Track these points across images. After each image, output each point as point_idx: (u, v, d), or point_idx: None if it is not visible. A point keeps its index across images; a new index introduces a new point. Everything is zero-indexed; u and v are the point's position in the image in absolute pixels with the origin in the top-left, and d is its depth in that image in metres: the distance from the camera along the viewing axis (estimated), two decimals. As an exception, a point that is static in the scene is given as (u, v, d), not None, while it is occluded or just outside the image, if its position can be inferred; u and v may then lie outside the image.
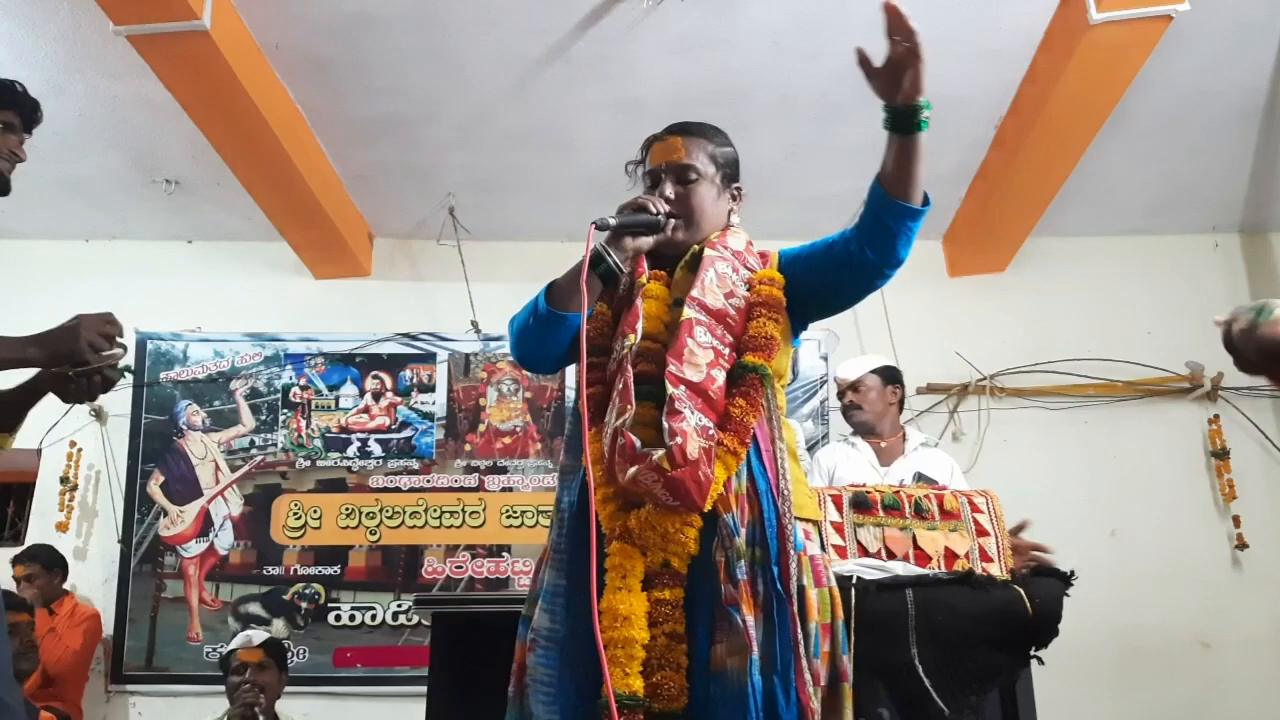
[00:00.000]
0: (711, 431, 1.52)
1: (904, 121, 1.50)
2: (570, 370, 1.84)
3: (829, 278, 1.65)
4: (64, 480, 4.35)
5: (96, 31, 3.20)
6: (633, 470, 1.49)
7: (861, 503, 2.19)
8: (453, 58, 3.49)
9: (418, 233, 4.58)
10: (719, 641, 1.46)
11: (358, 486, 4.37)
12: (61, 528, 4.29)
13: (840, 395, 3.19)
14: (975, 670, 2.00)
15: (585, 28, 3.34)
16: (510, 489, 4.36)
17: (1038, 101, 3.52)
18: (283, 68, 3.53)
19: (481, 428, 4.45)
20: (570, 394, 4.44)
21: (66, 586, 4.04)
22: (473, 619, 2.36)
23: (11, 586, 3.80)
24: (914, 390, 4.30)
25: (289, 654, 3.75)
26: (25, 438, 2.12)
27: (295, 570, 4.26)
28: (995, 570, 2.13)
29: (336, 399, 4.48)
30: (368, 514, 4.32)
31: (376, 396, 4.49)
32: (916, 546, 2.15)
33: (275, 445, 4.40)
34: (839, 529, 2.15)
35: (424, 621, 3.65)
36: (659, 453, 1.47)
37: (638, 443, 1.50)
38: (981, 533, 2.18)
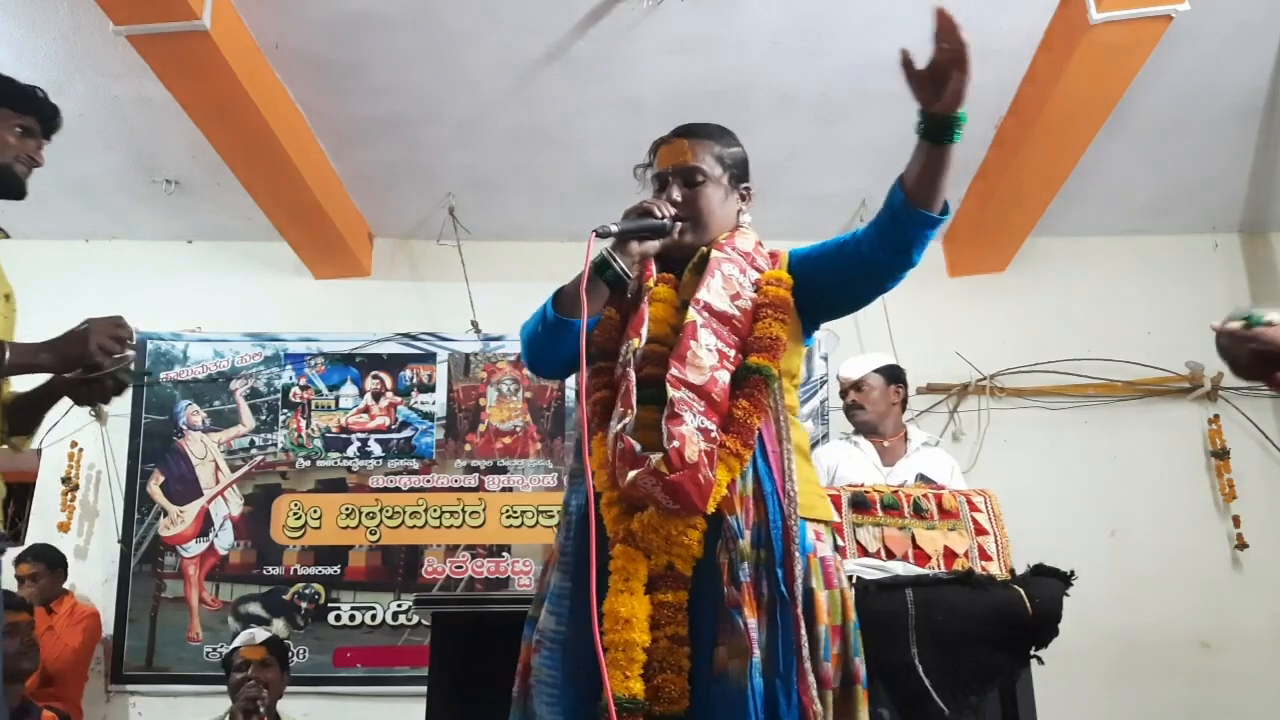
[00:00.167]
0: (714, 434, 1.52)
1: (938, 130, 1.46)
2: (524, 356, 1.85)
3: (839, 278, 1.65)
4: (65, 480, 4.35)
5: (96, 31, 3.20)
6: (632, 474, 1.49)
7: (860, 503, 2.19)
8: (453, 58, 3.49)
9: (418, 233, 4.58)
10: (721, 644, 1.46)
11: (358, 486, 4.37)
12: (63, 528, 4.30)
13: (843, 395, 3.19)
14: (975, 670, 2.00)
15: (585, 28, 3.34)
16: (510, 489, 4.36)
17: (1038, 101, 3.52)
18: (283, 68, 3.53)
19: (481, 428, 4.45)
20: (572, 394, 4.44)
21: (66, 586, 4.04)
22: (473, 619, 2.36)
23: (12, 585, 3.80)
24: (914, 390, 4.29)
25: (289, 654, 3.74)
26: (25, 438, 2.12)
27: (295, 570, 4.26)
28: (994, 569, 2.14)
29: (336, 399, 4.48)
30: (368, 514, 4.32)
31: (376, 396, 4.49)
32: (916, 546, 2.15)
33: (275, 445, 4.40)
34: (838, 529, 2.15)
35: (424, 621, 3.65)
36: (657, 456, 1.47)
37: (637, 446, 1.50)
38: (980, 532, 2.19)
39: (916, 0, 3.30)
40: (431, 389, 4.50)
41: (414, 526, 4.31)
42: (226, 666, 3.46)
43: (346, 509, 4.33)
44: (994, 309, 4.59)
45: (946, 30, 1.38)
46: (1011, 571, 2.19)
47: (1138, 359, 4.43)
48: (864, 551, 2.13)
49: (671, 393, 1.52)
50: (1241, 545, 4.29)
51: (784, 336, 1.60)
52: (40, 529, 4.33)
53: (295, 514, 4.32)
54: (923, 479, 2.95)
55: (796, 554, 1.49)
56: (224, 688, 3.49)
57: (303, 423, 4.44)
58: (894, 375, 3.19)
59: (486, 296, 4.47)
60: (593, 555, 1.49)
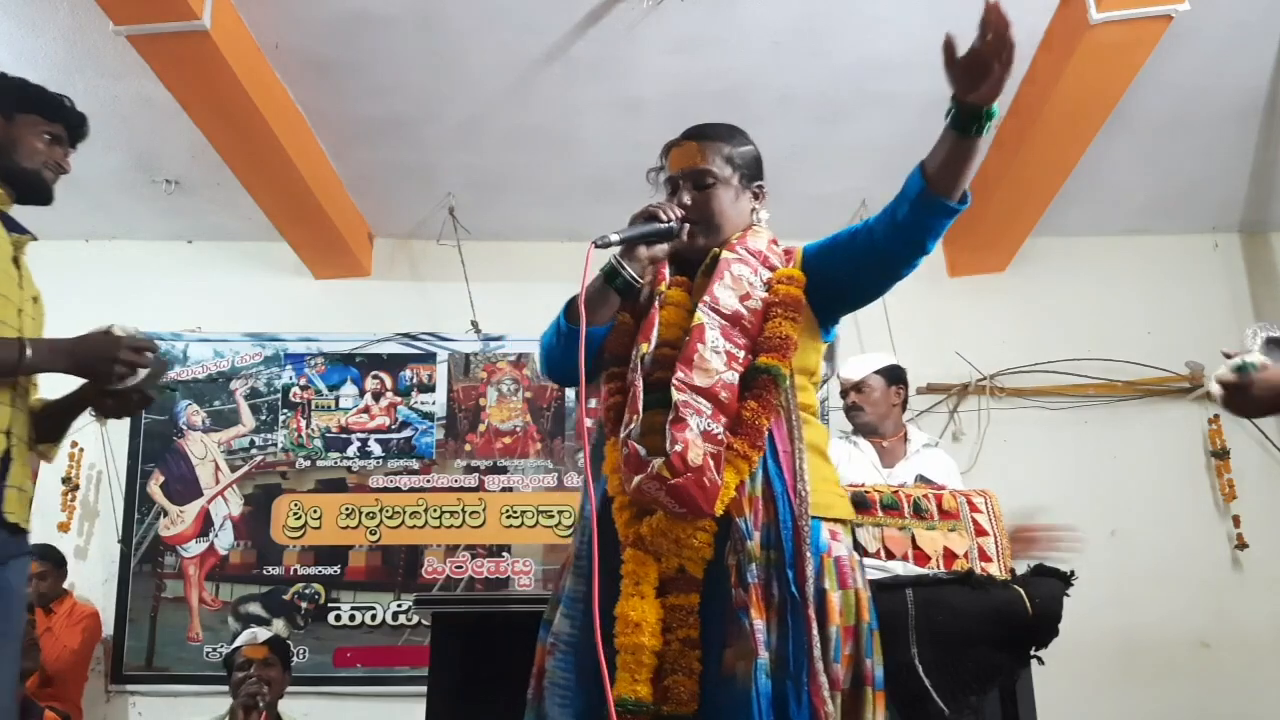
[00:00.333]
0: (720, 436, 1.52)
1: (967, 121, 1.49)
2: (541, 366, 1.85)
3: (852, 268, 1.65)
4: (65, 480, 4.35)
5: (96, 31, 3.20)
6: (637, 479, 1.50)
7: (860, 503, 2.19)
8: (453, 58, 3.49)
9: (418, 233, 4.58)
10: (729, 645, 1.46)
11: (358, 486, 4.37)
12: (63, 528, 4.29)
13: (843, 395, 3.18)
14: (975, 670, 2.00)
15: (585, 28, 3.34)
16: (510, 489, 4.36)
17: (1038, 101, 3.51)
18: (283, 68, 3.53)
19: (481, 428, 4.45)
20: (571, 394, 4.44)
21: (65, 586, 4.04)
22: (473, 619, 2.36)
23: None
24: (914, 390, 4.30)
25: (291, 654, 3.74)
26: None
27: (295, 570, 4.26)
28: (994, 570, 2.14)
29: (336, 399, 4.48)
30: (368, 514, 4.32)
31: (376, 396, 4.49)
32: (915, 546, 2.15)
33: (275, 445, 4.40)
34: (839, 529, 2.15)
35: (424, 621, 3.66)
36: (659, 461, 1.47)
37: (642, 451, 1.51)
38: (980, 532, 2.19)
39: (916, 1, 3.31)
40: (431, 389, 4.50)
41: (414, 526, 4.31)
42: (228, 666, 3.47)
43: (346, 509, 4.33)
44: (994, 309, 4.59)
45: (996, 23, 1.41)
46: (1011, 572, 2.19)
47: (1137, 359, 4.43)
48: (864, 552, 2.13)
49: (676, 396, 1.53)
50: (1241, 545, 4.30)
51: (794, 335, 1.60)
52: (40, 529, 4.31)
53: (295, 514, 4.32)
54: (922, 480, 2.95)
55: (807, 554, 1.49)
56: (224, 688, 3.50)
57: (303, 423, 4.44)
58: (895, 376, 3.18)
59: (486, 296, 4.47)
60: (595, 559, 1.49)
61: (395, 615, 4.19)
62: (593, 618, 1.49)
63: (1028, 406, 4.48)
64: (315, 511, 4.33)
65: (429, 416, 4.47)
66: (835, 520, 1.58)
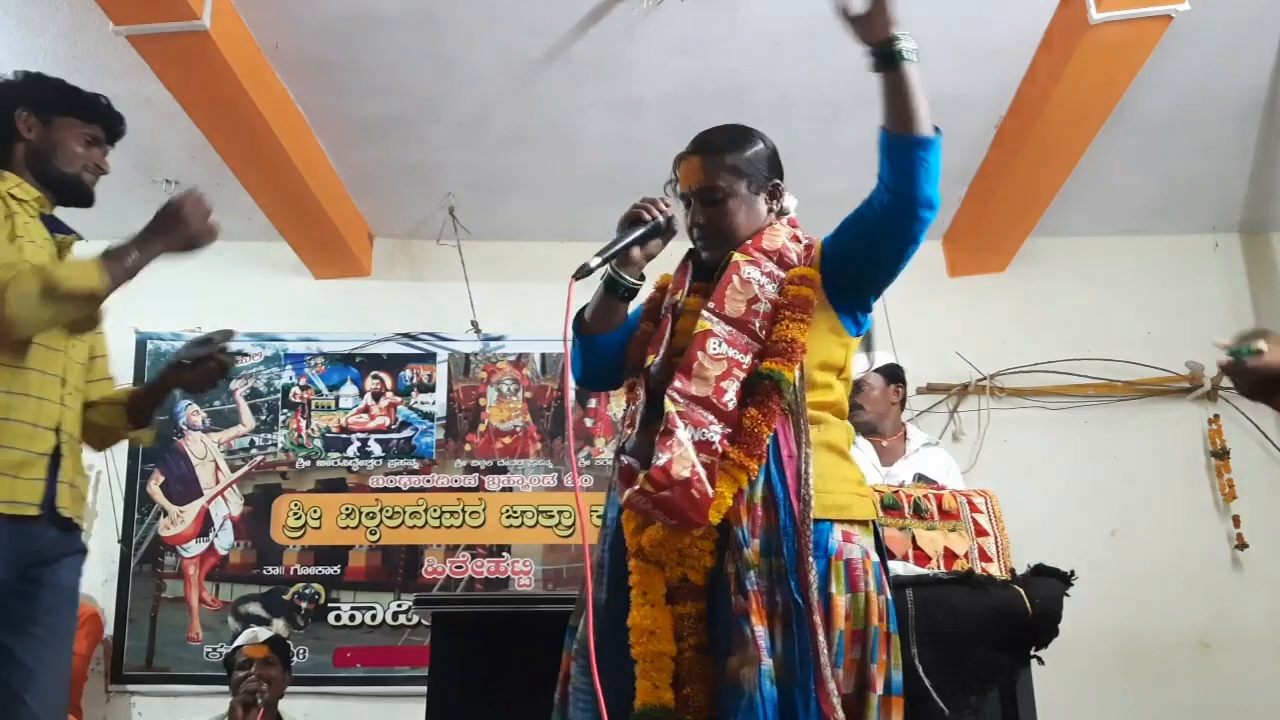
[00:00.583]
0: (716, 445, 1.51)
1: (884, 57, 1.51)
2: (573, 373, 1.87)
3: (864, 243, 1.63)
4: (64, 480, 4.35)
5: (96, 31, 3.20)
6: (627, 493, 1.52)
7: (860, 503, 2.18)
8: (453, 58, 3.49)
9: (418, 233, 4.57)
10: (733, 653, 1.47)
11: (358, 486, 4.37)
12: (62, 528, 4.29)
13: (841, 395, 3.18)
14: (975, 670, 2.00)
15: (585, 28, 3.34)
16: (510, 489, 4.36)
17: (1038, 101, 3.51)
18: (283, 68, 3.53)
19: (481, 428, 4.45)
20: (572, 395, 4.44)
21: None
22: (473, 619, 2.36)
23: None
24: (914, 390, 4.30)
25: (291, 654, 3.74)
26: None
27: (295, 570, 4.26)
28: (994, 570, 2.14)
29: (336, 399, 4.48)
30: (368, 514, 4.32)
31: (376, 396, 4.49)
32: (916, 546, 2.15)
33: (275, 445, 4.40)
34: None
35: (424, 621, 3.66)
36: (644, 475, 1.49)
37: (635, 465, 1.53)
38: (980, 532, 2.19)
39: (916, 1, 3.31)
40: (431, 389, 4.50)
41: (414, 526, 4.31)
42: (229, 665, 3.47)
43: (346, 509, 4.33)
44: (994, 309, 4.59)
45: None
46: (1011, 572, 2.19)
47: (1137, 359, 4.43)
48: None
49: (670, 407, 1.53)
50: (1241, 545, 4.29)
51: (801, 338, 1.58)
52: (40, 529, 4.33)
53: (295, 514, 4.32)
54: (921, 479, 2.95)
55: (810, 559, 1.47)
56: (224, 688, 3.50)
57: (303, 423, 4.44)
58: (894, 375, 3.19)
59: (486, 296, 4.47)
60: (588, 568, 1.52)
61: (395, 615, 4.19)
62: (614, 624, 1.53)
63: (1028, 406, 4.48)
64: (315, 511, 4.33)
65: (429, 416, 4.47)
66: (852, 521, 1.56)
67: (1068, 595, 2.08)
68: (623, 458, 1.55)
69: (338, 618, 4.20)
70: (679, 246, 1.84)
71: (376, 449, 4.42)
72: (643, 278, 1.78)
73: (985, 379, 4.47)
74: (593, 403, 4.43)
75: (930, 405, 4.47)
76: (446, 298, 4.52)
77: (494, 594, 4.01)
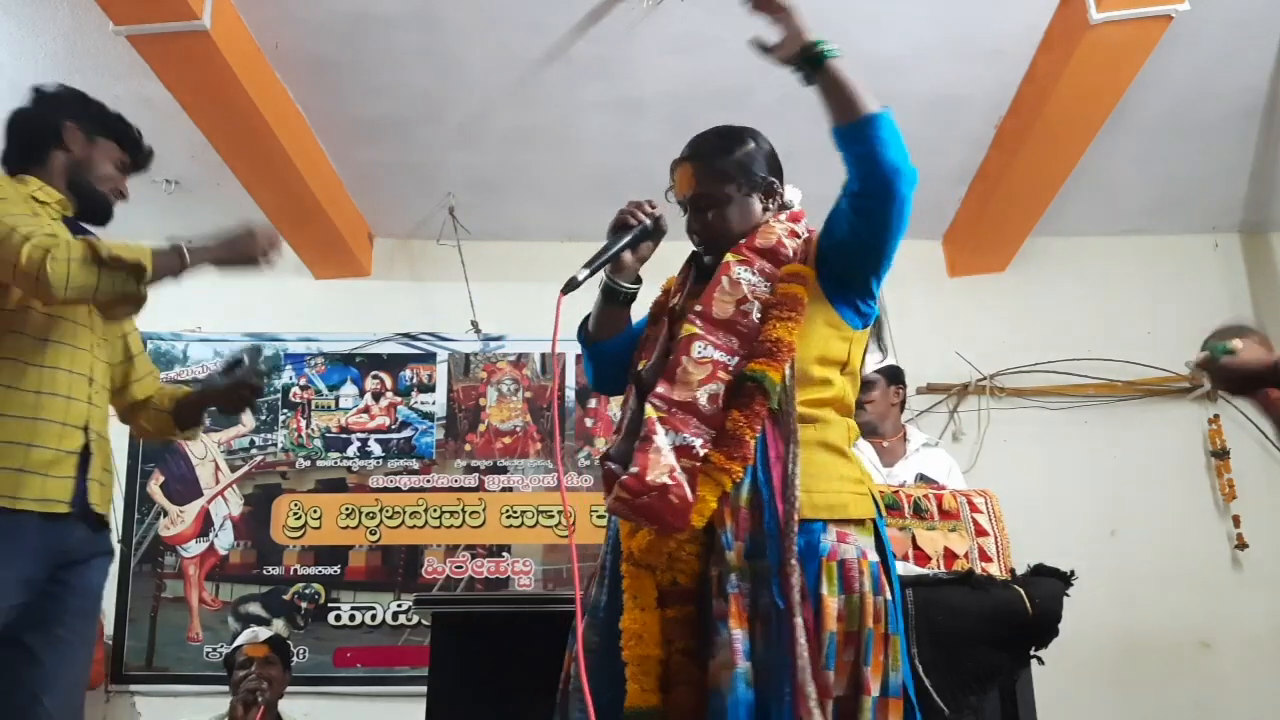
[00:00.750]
0: (697, 450, 1.52)
1: (810, 65, 1.58)
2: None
3: (847, 231, 1.63)
4: (64, 480, 4.35)
5: (96, 31, 3.20)
6: (610, 499, 1.52)
7: (861, 503, 2.18)
8: (453, 58, 3.49)
9: (418, 233, 4.57)
10: (714, 656, 1.47)
11: (358, 486, 4.37)
12: (62, 528, 4.29)
13: (841, 395, 3.18)
14: (975, 670, 2.00)
15: (585, 28, 3.34)
16: (510, 489, 4.36)
17: (1038, 101, 3.51)
18: (283, 68, 3.53)
19: (481, 428, 4.45)
20: (572, 395, 4.45)
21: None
22: (473, 619, 2.36)
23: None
24: (914, 390, 4.29)
25: (291, 654, 3.74)
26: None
27: (295, 570, 4.26)
28: (994, 570, 2.14)
29: (336, 399, 4.48)
30: (368, 514, 4.32)
31: (376, 396, 4.49)
32: (916, 546, 2.15)
33: (275, 445, 4.40)
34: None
35: (424, 621, 3.65)
36: (618, 483, 1.50)
37: (617, 470, 1.54)
38: (980, 533, 2.19)
39: (916, 1, 3.31)
40: (431, 389, 4.50)
41: (414, 526, 4.31)
42: (229, 665, 3.47)
43: (346, 509, 4.33)
44: (994, 309, 4.59)
45: (762, 6, 1.62)
46: (1011, 572, 2.19)
47: (1137, 359, 4.43)
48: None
49: (650, 413, 1.53)
50: (1241, 545, 4.29)
51: (788, 338, 1.58)
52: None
53: (295, 514, 4.32)
54: (923, 479, 2.95)
55: (793, 562, 1.46)
56: (224, 688, 3.50)
57: (303, 423, 4.44)
58: (894, 376, 3.19)
59: (486, 296, 4.47)
60: (575, 571, 1.55)
61: (395, 615, 4.19)
62: (611, 627, 1.55)
63: (1028, 406, 4.48)
64: (315, 511, 4.33)
65: (429, 416, 4.47)
66: (848, 521, 1.55)
67: (1068, 595, 2.08)
68: (608, 463, 1.56)
69: (338, 618, 4.20)
70: (686, 245, 1.84)
71: (376, 449, 4.42)
72: (639, 280, 1.78)
73: (985, 379, 4.47)
74: (593, 403, 4.43)
75: (930, 405, 4.47)
76: (446, 298, 4.52)
77: (494, 594, 4.00)
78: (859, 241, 1.62)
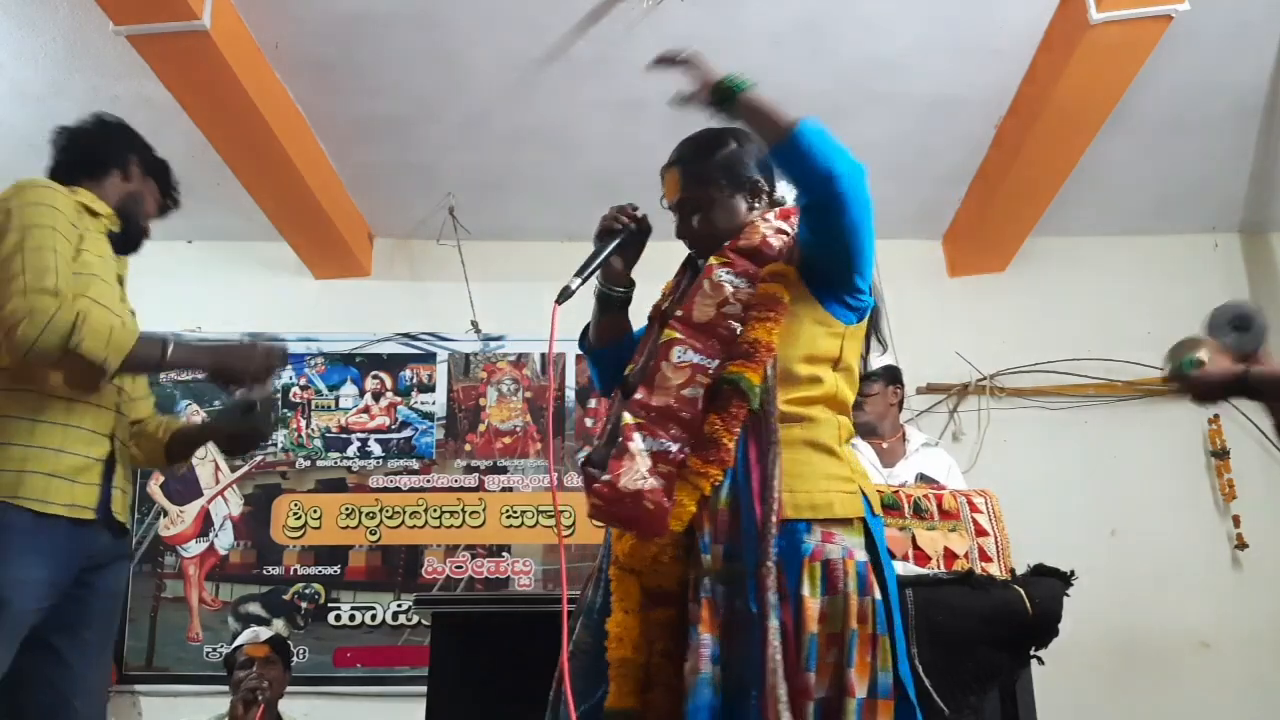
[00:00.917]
0: (674, 455, 1.52)
1: (725, 102, 1.62)
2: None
3: (809, 235, 1.65)
4: (64, 480, 4.35)
5: (96, 31, 3.20)
6: (588, 505, 1.54)
7: (861, 503, 2.18)
8: (453, 58, 3.49)
9: (418, 233, 4.57)
10: (688, 660, 1.48)
11: (358, 486, 4.37)
12: (62, 528, 4.29)
13: (841, 395, 3.17)
14: (975, 670, 2.00)
15: (585, 28, 3.34)
16: (510, 489, 4.36)
17: (1038, 101, 3.52)
18: (283, 68, 3.53)
19: (481, 428, 4.45)
20: (572, 395, 4.45)
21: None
22: (473, 619, 2.36)
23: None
24: (914, 390, 4.30)
25: (291, 654, 3.74)
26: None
27: (295, 570, 4.26)
28: (994, 570, 2.14)
29: (336, 399, 4.48)
30: (368, 514, 4.32)
31: (376, 396, 4.49)
32: (916, 547, 2.15)
33: (275, 445, 4.40)
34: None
35: (424, 621, 3.66)
36: (592, 489, 1.52)
37: (596, 474, 1.55)
38: (980, 533, 2.19)
39: (916, 1, 3.31)
40: (431, 389, 4.50)
41: (414, 526, 4.31)
42: (229, 665, 3.47)
43: (346, 509, 4.33)
44: (994, 309, 4.59)
45: (665, 62, 1.69)
46: (1011, 572, 2.19)
47: (1138, 359, 4.43)
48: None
49: (627, 419, 1.54)
50: (1241, 545, 4.29)
51: (766, 338, 1.57)
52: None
53: (295, 514, 4.32)
54: (923, 479, 2.95)
55: (768, 564, 1.46)
56: (224, 688, 3.50)
57: (303, 423, 4.44)
58: (892, 377, 3.19)
59: (486, 296, 4.47)
60: (563, 569, 1.54)
61: (395, 615, 4.19)
62: (600, 629, 1.57)
63: (1028, 406, 4.48)
64: (315, 511, 4.33)
65: (429, 416, 4.47)
66: (834, 520, 1.53)
67: (1068, 595, 2.08)
68: (589, 468, 1.57)
69: (338, 618, 4.20)
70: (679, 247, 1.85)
71: (376, 449, 4.42)
72: (632, 283, 1.79)
73: (985, 379, 4.47)
74: (592, 403, 4.43)
75: (930, 405, 4.47)
76: (446, 298, 4.52)
77: (494, 594, 4.00)
78: (824, 247, 1.62)
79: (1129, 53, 3.22)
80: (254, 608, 4.22)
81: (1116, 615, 4.08)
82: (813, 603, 1.47)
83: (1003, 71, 3.57)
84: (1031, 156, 3.74)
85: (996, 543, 2.18)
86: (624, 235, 1.71)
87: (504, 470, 4.38)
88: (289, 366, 4.49)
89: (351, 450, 4.41)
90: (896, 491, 2.23)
